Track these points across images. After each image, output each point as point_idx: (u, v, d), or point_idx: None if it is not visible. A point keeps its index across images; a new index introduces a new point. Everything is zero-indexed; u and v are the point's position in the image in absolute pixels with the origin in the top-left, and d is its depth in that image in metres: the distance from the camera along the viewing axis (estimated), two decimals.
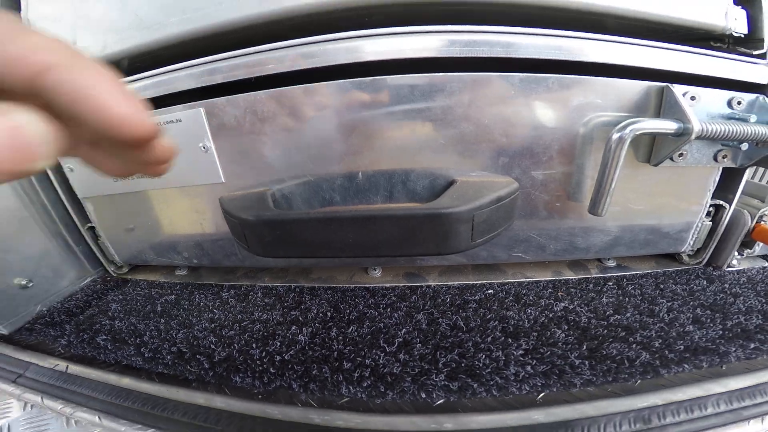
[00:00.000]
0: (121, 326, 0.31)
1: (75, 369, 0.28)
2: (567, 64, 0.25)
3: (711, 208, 0.30)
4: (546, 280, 0.32)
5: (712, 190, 0.28)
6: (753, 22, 0.27)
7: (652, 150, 0.26)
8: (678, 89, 0.24)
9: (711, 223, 0.30)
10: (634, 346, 0.24)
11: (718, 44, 0.28)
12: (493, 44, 0.24)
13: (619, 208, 0.29)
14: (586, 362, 0.23)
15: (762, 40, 0.26)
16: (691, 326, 0.25)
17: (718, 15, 0.26)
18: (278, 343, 0.27)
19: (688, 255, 0.33)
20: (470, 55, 0.24)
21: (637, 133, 0.23)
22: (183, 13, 0.27)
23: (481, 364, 0.23)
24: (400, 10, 0.25)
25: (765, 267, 0.32)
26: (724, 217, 0.29)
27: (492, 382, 0.22)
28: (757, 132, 0.23)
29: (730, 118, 0.25)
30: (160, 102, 0.28)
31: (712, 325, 0.25)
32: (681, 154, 0.26)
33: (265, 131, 0.28)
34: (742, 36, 0.27)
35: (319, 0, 0.24)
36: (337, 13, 0.25)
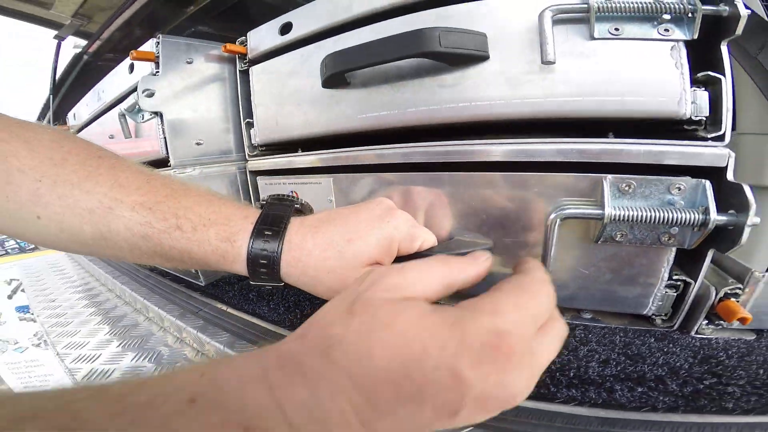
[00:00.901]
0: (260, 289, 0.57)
1: (231, 310, 0.54)
2: (531, 163, 0.35)
3: (678, 282, 0.34)
4: None
5: (669, 266, 0.33)
6: (713, 104, 0.31)
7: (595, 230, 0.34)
8: (612, 179, 0.32)
9: (675, 294, 0.35)
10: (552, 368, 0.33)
11: (678, 128, 0.33)
12: (475, 152, 0.37)
13: (578, 272, 0.37)
14: None
15: (720, 122, 0.31)
16: (606, 368, 0.32)
17: (672, 102, 0.32)
18: None
19: (661, 319, 0.37)
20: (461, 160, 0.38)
21: (563, 217, 0.32)
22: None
23: None
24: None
25: (741, 339, 0.33)
26: (690, 292, 0.34)
27: None
28: (678, 218, 0.29)
29: (669, 203, 0.31)
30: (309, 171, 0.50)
31: (632, 373, 0.32)
32: (622, 235, 0.33)
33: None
34: (703, 119, 0.31)
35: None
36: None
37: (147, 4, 1.02)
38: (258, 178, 0.59)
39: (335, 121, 0.48)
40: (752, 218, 0.27)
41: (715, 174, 0.31)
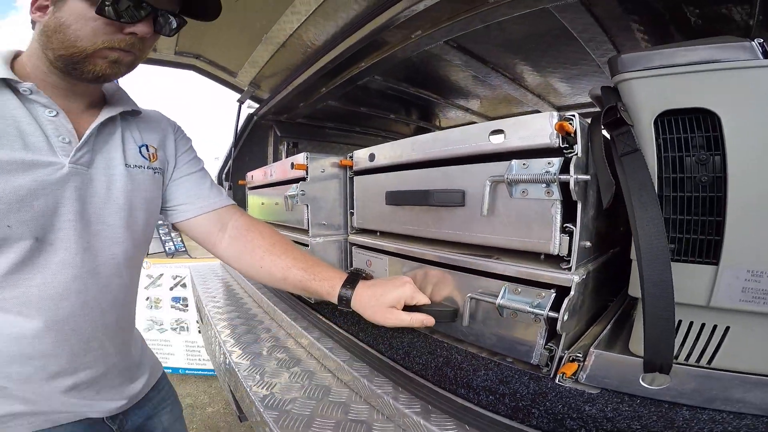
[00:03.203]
0: None
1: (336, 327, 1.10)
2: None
3: (550, 347, 0.71)
4: None
5: (543, 336, 0.71)
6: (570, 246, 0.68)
7: None
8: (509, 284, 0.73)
9: (548, 354, 0.71)
10: None
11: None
12: (457, 260, 0.83)
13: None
14: None
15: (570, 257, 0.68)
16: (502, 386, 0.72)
17: (548, 244, 0.70)
18: None
19: (545, 368, 0.73)
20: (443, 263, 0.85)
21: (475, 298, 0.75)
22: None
23: None
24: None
25: (585, 391, 0.67)
26: (555, 354, 0.70)
27: None
28: (533, 311, 0.69)
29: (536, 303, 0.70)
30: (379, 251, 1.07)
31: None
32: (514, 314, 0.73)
33: None
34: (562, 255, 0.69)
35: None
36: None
37: (297, 86, 1.74)
38: (353, 248, 1.17)
39: (392, 224, 1.00)
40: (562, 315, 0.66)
41: (565, 289, 0.69)
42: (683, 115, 0.61)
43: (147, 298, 2.94)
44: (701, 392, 0.61)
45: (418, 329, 0.97)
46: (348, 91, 1.78)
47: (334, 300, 0.75)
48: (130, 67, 0.62)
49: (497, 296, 0.75)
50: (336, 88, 1.74)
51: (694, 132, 0.60)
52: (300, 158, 1.23)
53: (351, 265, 1.26)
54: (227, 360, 1.07)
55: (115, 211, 0.66)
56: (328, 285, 0.76)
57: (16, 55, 0.61)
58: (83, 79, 0.59)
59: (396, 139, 1.04)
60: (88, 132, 0.62)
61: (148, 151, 0.73)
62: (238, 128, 2.26)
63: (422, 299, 0.76)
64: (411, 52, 1.37)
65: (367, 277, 0.80)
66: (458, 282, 0.85)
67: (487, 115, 2.28)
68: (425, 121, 2.37)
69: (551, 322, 0.70)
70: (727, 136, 0.57)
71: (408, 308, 0.74)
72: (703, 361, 0.67)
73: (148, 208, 0.73)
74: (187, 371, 2.88)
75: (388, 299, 0.72)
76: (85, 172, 0.62)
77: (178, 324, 2.89)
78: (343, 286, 0.75)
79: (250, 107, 2.39)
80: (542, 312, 0.69)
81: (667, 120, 0.62)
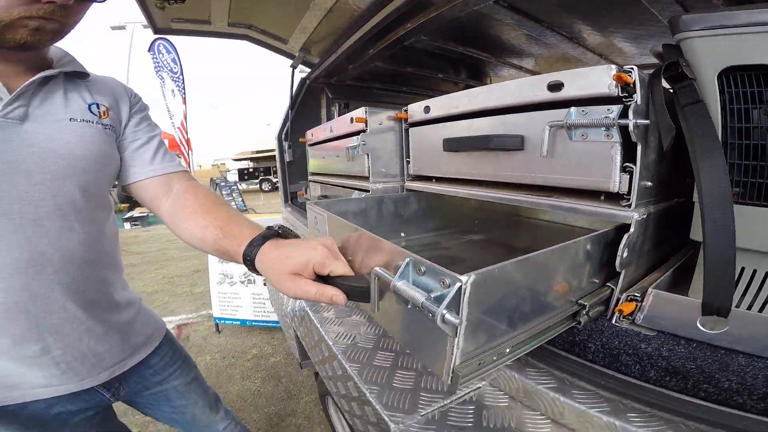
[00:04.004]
0: None
1: None
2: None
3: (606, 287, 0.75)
4: None
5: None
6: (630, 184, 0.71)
7: None
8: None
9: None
10: None
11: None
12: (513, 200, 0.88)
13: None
14: None
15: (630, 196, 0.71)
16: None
17: (608, 182, 0.73)
18: None
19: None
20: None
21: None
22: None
23: None
24: None
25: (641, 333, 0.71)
26: (613, 296, 0.74)
27: None
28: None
29: None
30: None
31: None
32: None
33: None
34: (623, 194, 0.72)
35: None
36: None
37: (345, 49, 1.78)
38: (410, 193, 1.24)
39: (449, 169, 1.06)
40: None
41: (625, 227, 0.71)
42: (748, 71, 0.63)
43: None
44: (759, 340, 0.60)
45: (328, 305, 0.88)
46: (395, 52, 1.77)
47: (240, 260, 0.64)
48: (57, 34, 0.61)
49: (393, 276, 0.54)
50: (383, 50, 1.75)
51: (762, 86, 0.62)
52: (360, 112, 1.30)
53: None
54: (297, 302, 1.16)
55: (56, 161, 0.64)
56: (236, 243, 0.65)
57: None
58: (8, 47, 0.58)
59: None
60: (19, 88, 0.61)
61: (98, 108, 0.73)
62: (293, 92, 2.35)
63: (339, 268, 0.58)
64: (459, 12, 1.32)
65: (286, 235, 0.66)
66: (388, 253, 0.58)
67: (543, 74, 2.19)
68: (475, 80, 2.32)
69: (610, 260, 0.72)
70: None
71: (322, 278, 0.59)
72: (760, 310, 0.67)
73: (98, 161, 0.71)
74: (253, 323, 3.02)
75: (292, 264, 0.57)
76: (17, 125, 0.62)
77: (246, 277, 3.00)
78: (250, 243, 0.63)
79: (302, 72, 2.46)
80: (435, 309, 0.46)
81: (732, 76, 0.64)
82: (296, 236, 0.68)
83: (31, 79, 0.63)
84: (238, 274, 3.03)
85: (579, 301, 0.70)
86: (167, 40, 8.00)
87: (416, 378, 0.75)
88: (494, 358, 0.54)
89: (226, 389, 2.34)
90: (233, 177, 18.34)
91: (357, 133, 1.34)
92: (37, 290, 0.64)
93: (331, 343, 0.90)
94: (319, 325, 0.99)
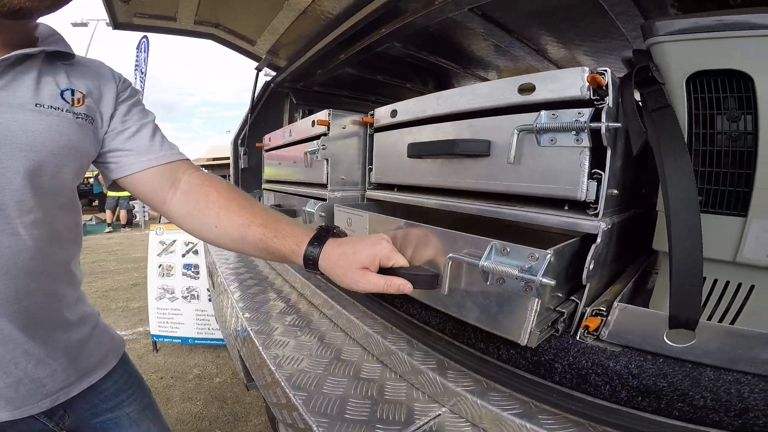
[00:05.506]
0: None
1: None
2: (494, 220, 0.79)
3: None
4: None
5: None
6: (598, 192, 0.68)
7: None
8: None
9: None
10: None
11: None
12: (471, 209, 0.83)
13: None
14: None
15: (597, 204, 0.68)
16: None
17: (575, 190, 0.70)
18: None
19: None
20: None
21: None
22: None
23: None
24: None
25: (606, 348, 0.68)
26: (577, 311, 0.70)
27: None
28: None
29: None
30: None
31: None
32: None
33: None
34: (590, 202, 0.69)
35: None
36: None
37: (316, 52, 1.74)
38: (334, 206, 1.18)
39: (412, 177, 1.00)
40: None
41: (590, 237, 0.68)
42: (715, 76, 0.63)
43: (159, 266, 2.93)
44: (725, 352, 0.59)
45: (394, 296, 0.88)
46: (366, 58, 1.76)
47: (299, 261, 0.64)
48: (55, 1, 0.55)
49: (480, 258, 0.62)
50: (354, 55, 1.72)
51: (726, 92, 0.63)
52: (322, 115, 1.23)
53: None
54: (239, 322, 1.06)
55: (9, 152, 0.55)
56: (293, 242, 0.64)
57: None
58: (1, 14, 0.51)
59: None
60: None
61: (72, 95, 0.63)
62: (255, 95, 2.26)
63: (400, 260, 0.65)
64: (433, 19, 1.34)
65: (339, 233, 0.69)
66: (441, 242, 0.71)
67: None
68: (441, 90, 2.32)
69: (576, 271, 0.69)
70: (760, 96, 0.59)
71: (383, 271, 0.63)
72: (725, 322, 0.67)
73: (62, 154, 0.61)
74: (196, 341, 2.86)
75: (359, 258, 0.61)
76: None
77: (189, 292, 2.86)
78: (310, 243, 0.63)
79: (267, 75, 2.38)
80: (533, 278, 0.56)
81: (700, 81, 0.64)
82: (345, 234, 0.71)
83: (2, 57, 0.54)
84: (180, 289, 2.86)
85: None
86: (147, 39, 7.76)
87: (371, 407, 0.68)
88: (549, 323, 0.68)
89: (164, 412, 2.13)
90: None
91: (318, 137, 1.27)
92: None
93: (273, 369, 0.80)
94: (261, 348, 0.89)
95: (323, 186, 1.28)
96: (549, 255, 0.57)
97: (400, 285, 0.61)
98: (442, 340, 0.82)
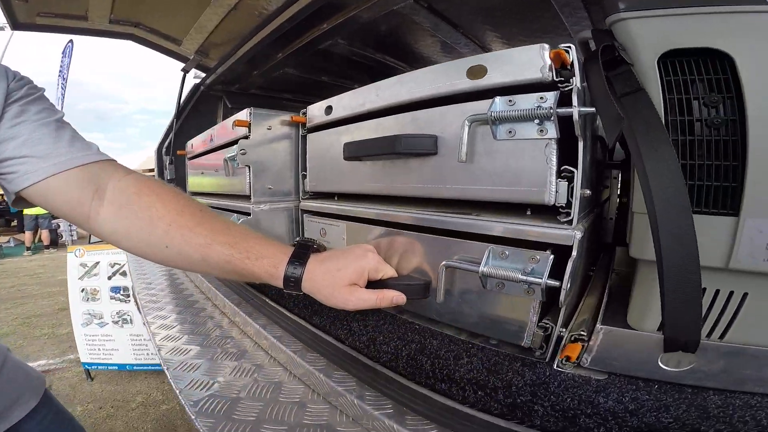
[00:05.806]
0: None
1: (272, 303, 0.93)
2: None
3: (546, 324, 0.58)
4: None
5: (535, 311, 0.58)
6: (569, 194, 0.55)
7: None
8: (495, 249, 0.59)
9: (543, 334, 0.58)
10: None
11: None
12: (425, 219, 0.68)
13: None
14: None
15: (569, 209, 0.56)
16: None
17: (542, 192, 0.57)
18: None
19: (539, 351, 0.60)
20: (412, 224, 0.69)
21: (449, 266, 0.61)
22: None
23: None
24: None
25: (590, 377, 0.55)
26: (553, 332, 0.57)
27: None
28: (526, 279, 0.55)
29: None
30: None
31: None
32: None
33: None
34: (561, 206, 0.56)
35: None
36: None
37: (249, 51, 1.55)
38: (305, 215, 0.99)
39: (352, 184, 0.83)
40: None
41: (563, 249, 0.55)
42: (689, 56, 0.54)
43: (82, 290, 2.64)
44: (730, 372, 0.51)
45: (386, 309, 0.80)
46: (308, 57, 1.60)
47: (279, 283, 0.56)
48: None
49: (479, 263, 0.60)
50: (294, 53, 1.55)
51: (702, 74, 0.54)
52: (242, 114, 1.04)
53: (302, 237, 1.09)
54: (159, 356, 0.87)
55: None
56: (268, 264, 0.56)
57: None
58: None
59: None
60: None
61: None
62: (181, 99, 2.01)
63: (389, 271, 0.61)
64: (378, 13, 1.21)
65: (320, 248, 0.63)
66: (431, 248, 0.68)
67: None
68: None
69: (549, 293, 0.56)
70: (744, 78, 0.50)
71: (372, 284, 0.59)
72: (715, 335, 0.57)
73: None
74: (135, 367, 2.62)
75: (346, 275, 0.56)
76: None
77: (119, 316, 2.61)
78: (290, 263, 0.56)
79: (196, 77, 2.15)
80: (539, 280, 0.54)
81: (671, 62, 0.55)
82: (325, 248, 0.65)
83: None
84: (109, 313, 2.60)
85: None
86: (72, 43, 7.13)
87: None
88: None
89: None
90: None
91: (238, 141, 1.06)
92: None
93: (193, 416, 0.61)
94: (177, 390, 0.69)
95: (246, 198, 1.08)
96: (551, 256, 0.55)
97: (394, 297, 0.58)
98: (394, 382, 0.65)
